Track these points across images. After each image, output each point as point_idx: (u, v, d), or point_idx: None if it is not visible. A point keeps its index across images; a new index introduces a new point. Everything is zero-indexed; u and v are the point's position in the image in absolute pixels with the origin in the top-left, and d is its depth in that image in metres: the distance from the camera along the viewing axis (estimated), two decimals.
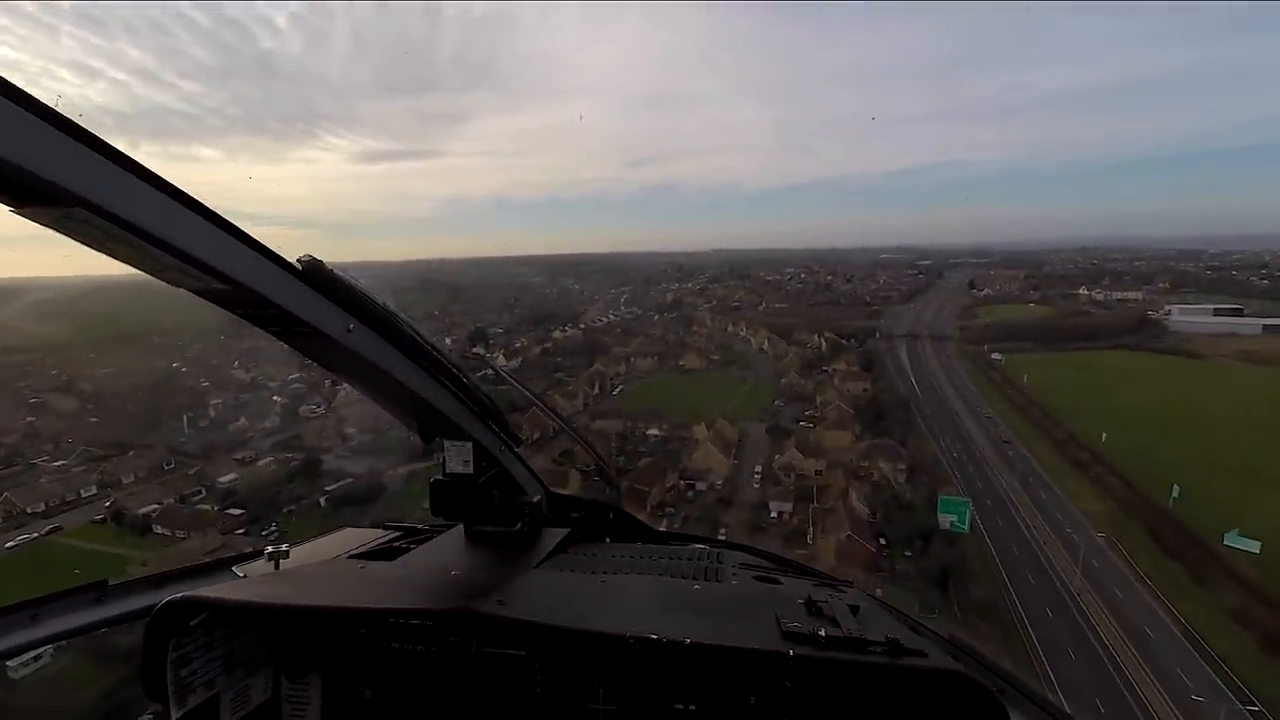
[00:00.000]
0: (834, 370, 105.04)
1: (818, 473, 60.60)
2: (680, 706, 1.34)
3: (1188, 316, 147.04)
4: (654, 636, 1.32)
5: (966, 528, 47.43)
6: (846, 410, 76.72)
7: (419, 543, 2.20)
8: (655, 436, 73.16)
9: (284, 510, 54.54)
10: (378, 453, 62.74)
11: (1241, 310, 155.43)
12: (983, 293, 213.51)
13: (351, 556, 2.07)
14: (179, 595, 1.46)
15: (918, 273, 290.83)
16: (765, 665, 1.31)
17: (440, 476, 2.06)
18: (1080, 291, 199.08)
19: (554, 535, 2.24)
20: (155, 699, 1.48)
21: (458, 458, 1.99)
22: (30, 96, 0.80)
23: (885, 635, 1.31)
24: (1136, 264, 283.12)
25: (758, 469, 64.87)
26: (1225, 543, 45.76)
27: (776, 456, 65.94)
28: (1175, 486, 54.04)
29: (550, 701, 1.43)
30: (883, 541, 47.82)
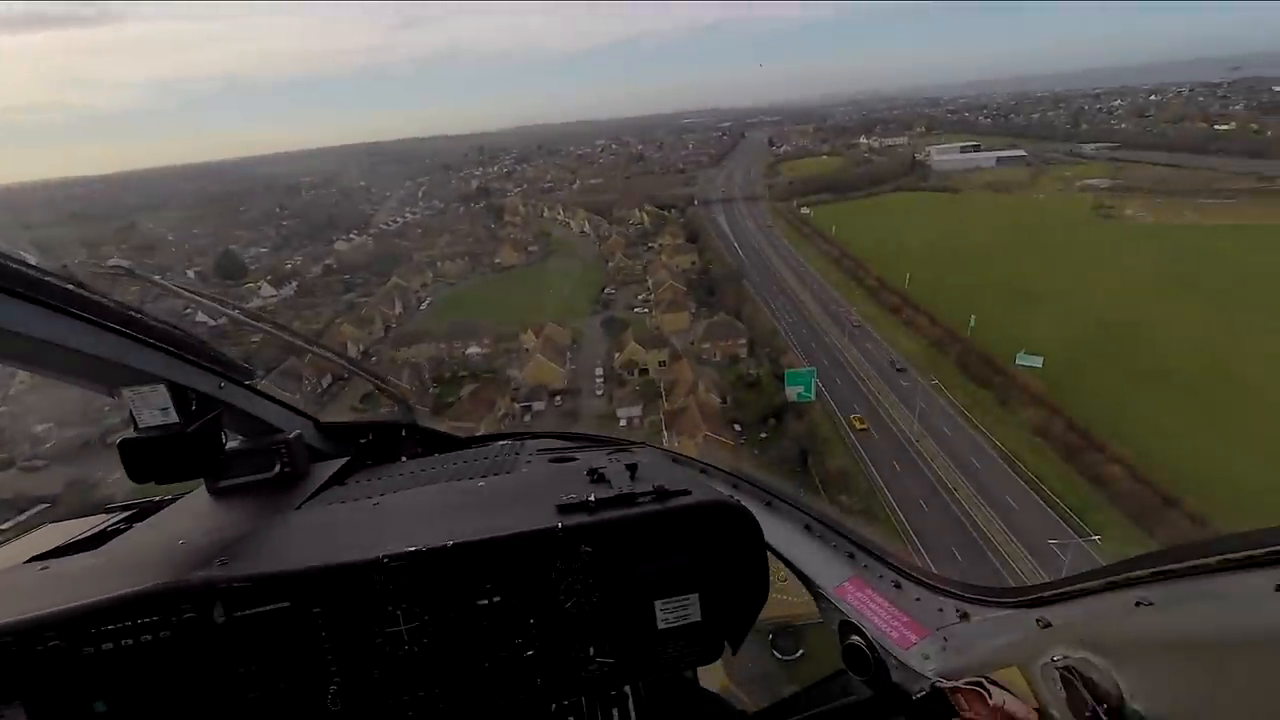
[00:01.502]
0: (660, 245, 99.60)
1: (661, 364, 55.69)
2: (485, 601, 1.34)
3: (942, 156, 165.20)
4: (411, 549, 1.32)
5: (812, 396, 46.03)
6: (679, 289, 72.05)
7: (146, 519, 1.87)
8: (477, 355, 62.25)
9: None
10: (90, 455, 43.82)
11: (978, 146, 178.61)
12: (782, 149, 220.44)
13: (34, 558, 1.67)
14: None
15: (722, 135, 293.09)
16: (541, 544, 1.34)
17: (132, 434, 1.63)
18: (860, 141, 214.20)
19: (327, 469, 2.02)
20: None
21: (149, 407, 1.61)
22: None
23: (654, 485, 1.40)
24: (895, 112, 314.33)
25: (599, 372, 58.15)
26: (1016, 363, 50.04)
27: (616, 354, 59.57)
28: (972, 317, 58.44)
29: (341, 640, 1.34)
30: (738, 429, 44.90)
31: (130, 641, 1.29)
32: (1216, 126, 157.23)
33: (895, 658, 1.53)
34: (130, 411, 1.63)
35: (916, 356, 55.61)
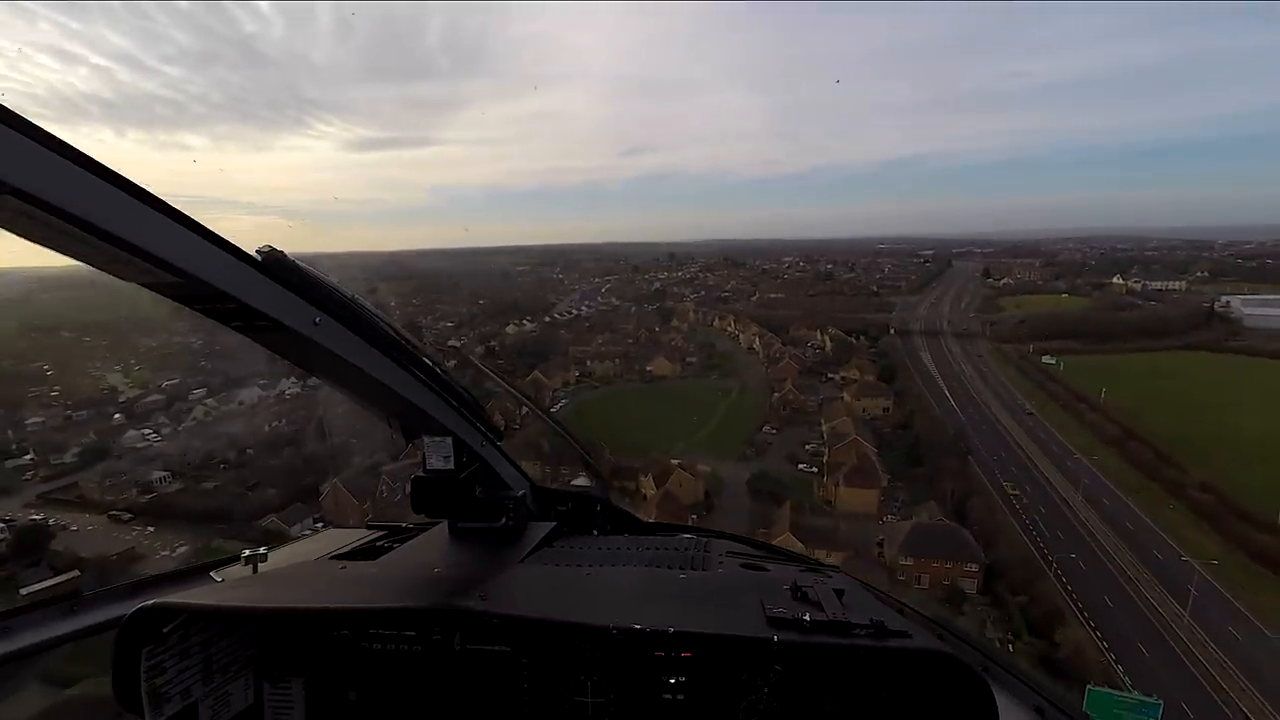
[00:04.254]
0: (843, 379, 78.69)
1: None
2: (669, 696, 1.31)
3: (1255, 309, 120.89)
4: (637, 627, 1.29)
5: None
6: (866, 447, 50.76)
7: (402, 542, 2.16)
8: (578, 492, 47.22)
9: None
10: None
11: None
12: (1001, 282, 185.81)
13: (333, 557, 2.02)
14: (150, 602, 1.38)
15: (924, 261, 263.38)
16: (751, 651, 1.28)
17: (421, 473, 1.96)
18: (1115, 281, 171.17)
19: (540, 529, 2.18)
20: (130, 709, 1.40)
21: (438, 453, 1.92)
22: None
23: (870, 618, 1.28)
24: (1148, 253, 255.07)
25: None
26: None
27: (760, 532, 40.09)
28: None
29: (538, 696, 1.39)
30: None
31: (392, 648, 1.47)
32: None
33: None
34: (423, 454, 1.92)
35: None
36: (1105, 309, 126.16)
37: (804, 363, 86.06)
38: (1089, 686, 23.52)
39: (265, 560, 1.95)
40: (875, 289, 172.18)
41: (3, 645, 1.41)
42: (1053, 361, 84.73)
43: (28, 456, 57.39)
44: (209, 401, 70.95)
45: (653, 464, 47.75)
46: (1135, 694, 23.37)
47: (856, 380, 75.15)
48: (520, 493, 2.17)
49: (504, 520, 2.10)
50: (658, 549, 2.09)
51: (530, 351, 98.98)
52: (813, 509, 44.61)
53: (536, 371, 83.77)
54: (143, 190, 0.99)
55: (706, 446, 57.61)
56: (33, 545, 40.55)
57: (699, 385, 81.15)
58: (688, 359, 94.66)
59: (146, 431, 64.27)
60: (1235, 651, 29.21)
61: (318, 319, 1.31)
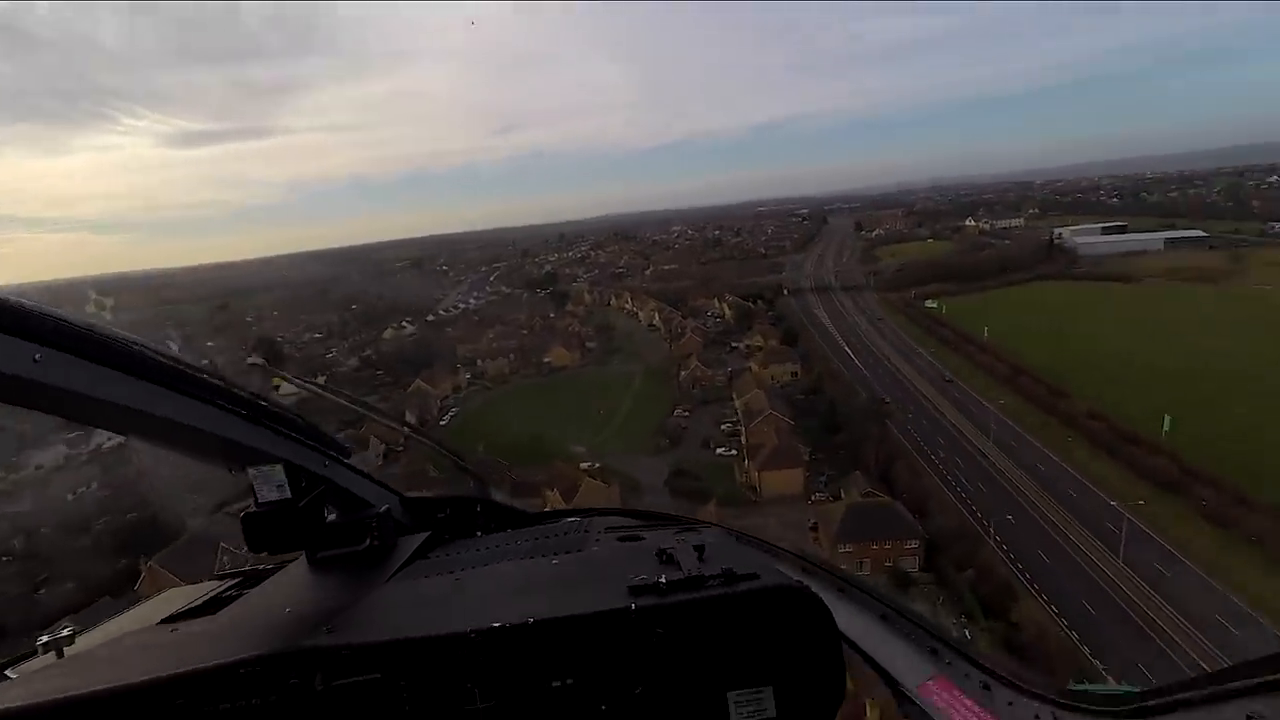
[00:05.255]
0: (748, 347, 76.10)
1: None
2: (558, 683, 1.29)
3: (1082, 239, 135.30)
4: (495, 625, 1.29)
5: None
6: (782, 421, 47.54)
7: (255, 587, 1.96)
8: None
9: None
10: None
11: (1126, 227, 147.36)
12: (874, 234, 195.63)
13: (163, 621, 1.81)
14: None
15: (802, 219, 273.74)
16: (615, 624, 1.29)
17: (252, 508, 1.78)
18: (968, 224, 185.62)
19: (412, 543, 2.01)
20: None
21: (268, 484, 1.75)
22: None
23: (723, 568, 1.32)
24: (986, 196, 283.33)
25: None
26: None
27: None
28: None
29: (423, 716, 1.31)
30: None
31: (244, 705, 1.33)
32: None
33: None
34: (252, 487, 1.74)
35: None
36: (967, 250, 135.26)
37: (707, 334, 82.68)
38: (1070, 686, 20.72)
39: (72, 642, 1.67)
40: (763, 251, 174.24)
41: None
42: (935, 305, 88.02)
43: None
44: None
45: (558, 476, 41.30)
46: (1112, 684, 20.95)
47: (761, 347, 72.77)
48: (383, 509, 2.01)
49: (368, 541, 1.94)
50: (536, 539, 1.99)
51: (411, 358, 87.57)
52: (738, 501, 40.62)
53: (419, 380, 73.49)
54: None
55: (617, 442, 52.08)
56: None
57: (602, 372, 75.14)
58: (588, 344, 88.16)
59: None
60: (1174, 597, 28.59)
61: (38, 355, 1.12)
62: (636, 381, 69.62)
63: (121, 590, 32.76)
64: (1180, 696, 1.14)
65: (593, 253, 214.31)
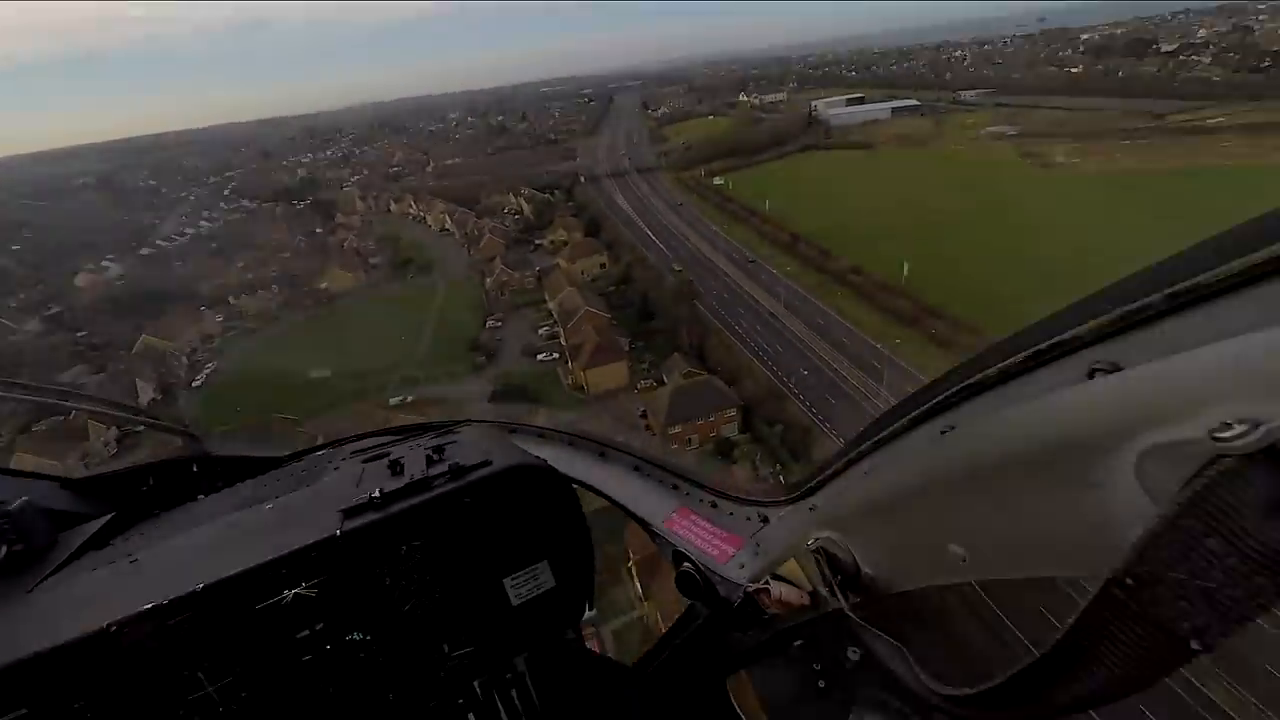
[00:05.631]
0: (553, 243, 72.89)
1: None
2: (303, 634, 1.18)
3: (832, 110, 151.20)
4: (168, 600, 1.10)
5: None
6: (599, 316, 47.03)
7: None
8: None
9: None
10: None
11: (863, 98, 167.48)
12: (660, 112, 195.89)
13: None
14: None
15: (588, 100, 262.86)
16: (326, 556, 1.18)
17: None
18: (741, 99, 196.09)
19: (76, 536, 1.62)
20: None
21: None
22: None
23: (452, 462, 1.30)
24: (753, 71, 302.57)
25: None
26: None
27: None
28: None
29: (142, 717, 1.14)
30: None
31: None
32: (1068, 70, 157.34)
33: (718, 574, 1.54)
34: None
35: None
36: (744, 125, 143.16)
37: (507, 234, 76.99)
38: None
39: None
40: (553, 137, 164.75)
41: None
42: (722, 182, 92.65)
43: None
44: None
45: (365, 421, 36.09)
46: None
47: (567, 241, 70.09)
48: (17, 502, 1.57)
49: (4, 549, 1.52)
50: (265, 485, 1.72)
51: (127, 307, 67.51)
52: (568, 403, 40.06)
53: (145, 335, 57.34)
54: None
55: (429, 368, 47.13)
56: None
57: (394, 293, 66.32)
58: (371, 261, 76.59)
59: None
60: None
61: None
62: (437, 296, 62.91)
63: None
64: (833, 468, 1.24)
65: (357, 150, 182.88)
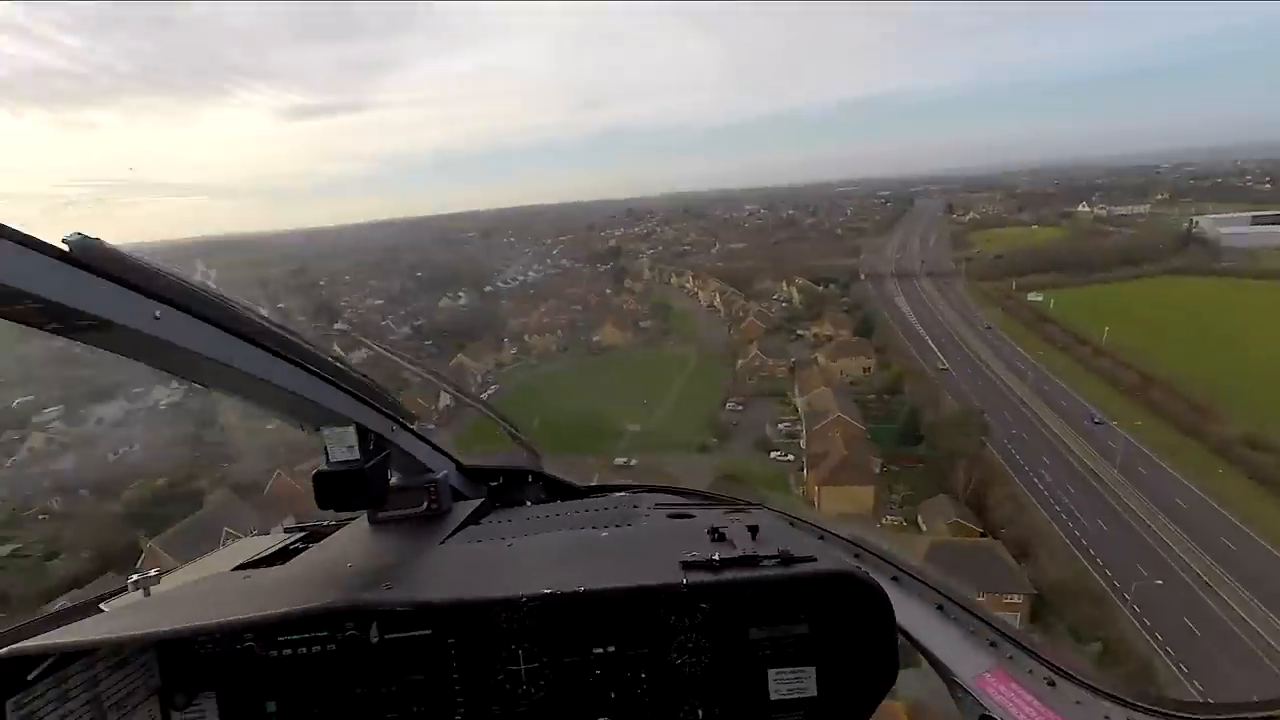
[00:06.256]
0: (816, 336, 68.76)
1: None
2: (600, 650, 1.36)
3: (1228, 229, 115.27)
4: (547, 592, 1.35)
5: None
6: (850, 425, 40.90)
7: (319, 541, 2.09)
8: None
9: None
10: None
11: None
12: (966, 217, 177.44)
13: (239, 567, 1.95)
14: (1, 651, 1.30)
15: (885, 201, 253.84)
16: (666, 598, 1.34)
17: (323, 467, 1.83)
18: (1081, 208, 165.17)
19: (465, 509, 2.15)
20: None
21: (340, 445, 1.81)
22: None
23: (778, 549, 1.35)
24: (1099, 181, 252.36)
25: None
26: None
27: None
28: None
29: (469, 672, 1.42)
30: None
31: (304, 651, 1.45)
32: None
33: None
34: (324, 447, 1.79)
35: None
36: (1080, 238, 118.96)
37: (770, 320, 75.75)
38: None
39: (158, 582, 1.77)
40: (839, 232, 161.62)
41: None
42: (1040, 299, 76.53)
43: None
44: (56, 425, 56.36)
45: (588, 474, 36.96)
46: None
47: (831, 337, 65.28)
48: (441, 474, 2.12)
49: (426, 505, 2.06)
50: (586, 511, 2.07)
51: (461, 329, 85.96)
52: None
53: (461, 355, 71.28)
54: None
55: (660, 435, 47.08)
56: None
57: (653, 354, 70.19)
58: (641, 324, 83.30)
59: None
60: None
61: (158, 313, 1.18)
62: (690, 367, 64.16)
63: (124, 566, 31.00)
64: (1262, 715, 1.11)
65: (659, 229, 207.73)
